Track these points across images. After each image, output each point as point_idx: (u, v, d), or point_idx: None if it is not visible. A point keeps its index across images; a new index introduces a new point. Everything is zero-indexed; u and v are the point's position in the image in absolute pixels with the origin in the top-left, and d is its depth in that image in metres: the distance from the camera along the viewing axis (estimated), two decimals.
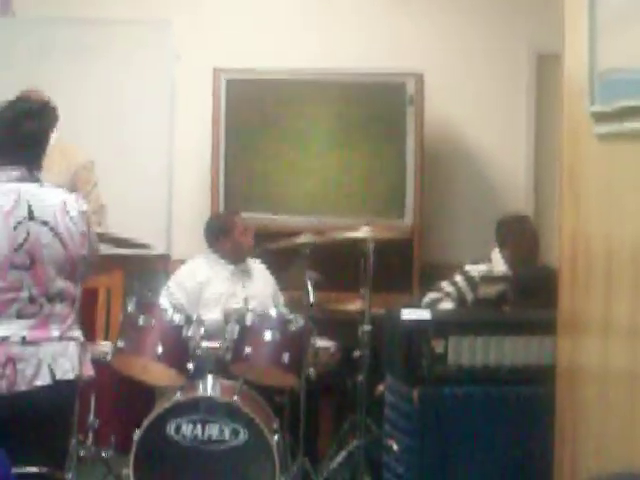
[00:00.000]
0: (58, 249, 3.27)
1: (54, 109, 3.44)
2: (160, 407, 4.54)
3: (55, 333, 3.27)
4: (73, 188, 5.11)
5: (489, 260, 5.16)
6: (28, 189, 3.27)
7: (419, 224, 5.96)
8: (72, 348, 3.30)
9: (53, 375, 3.22)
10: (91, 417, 4.60)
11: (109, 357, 4.57)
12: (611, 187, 3.27)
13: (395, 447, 4.25)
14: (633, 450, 3.03)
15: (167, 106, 6.31)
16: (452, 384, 4.13)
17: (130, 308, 4.58)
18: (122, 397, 5.33)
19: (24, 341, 3.20)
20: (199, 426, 4.47)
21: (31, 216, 3.23)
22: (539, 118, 6.36)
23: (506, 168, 6.43)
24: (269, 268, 5.55)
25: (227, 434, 4.47)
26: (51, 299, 3.26)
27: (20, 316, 3.21)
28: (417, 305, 4.99)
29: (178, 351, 4.54)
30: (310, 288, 4.73)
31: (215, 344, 4.81)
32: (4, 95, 3.54)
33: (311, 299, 4.70)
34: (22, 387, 3.18)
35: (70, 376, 3.28)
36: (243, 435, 4.46)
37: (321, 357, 4.91)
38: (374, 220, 5.03)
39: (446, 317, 4.57)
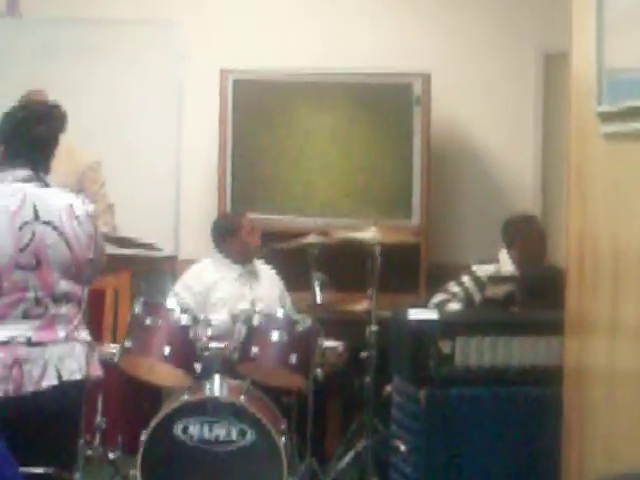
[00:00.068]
0: (63, 250, 3.26)
1: (64, 113, 3.43)
2: (167, 408, 4.54)
3: (61, 334, 3.26)
4: (80, 188, 5.14)
5: (496, 260, 5.14)
6: (34, 190, 3.27)
7: (426, 224, 5.95)
8: (79, 349, 3.30)
9: (60, 376, 3.22)
10: (98, 418, 4.59)
11: (116, 358, 4.57)
12: (618, 187, 3.27)
13: (402, 447, 4.25)
14: None
15: (174, 106, 6.32)
16: (459, 385, 4.12)
17: (137, 309, 4.58)
18: (129, 398, 5.34)
19: (30, 342, 3.20)
20: (206, 427, 4.47)
21: (37, 217, 3.23)
22: (546, 118, 6.34)
23: (513, 168, 6.41)
24: (276, 269, 5.54)
25: (234, 434, 4.46)
26: (57, 300, 3.25)
27: (26, 317, 3.21)
28: (424, 305, 4.98)
29: (185, 352, 4.54)
30: (317, 289, 4.72)
31: (222, 345, 4.82)
32: (9, 95, 3.55)
33: (318, 300, 4.69)
34: (29, 388, 3.17)
35: (77, 377, 3.27)
36: (250, 436, 4.45)
37: (328, 358, 4.90)
38: (381, 220, 5.02)
39: (453, 317, 4.56)
